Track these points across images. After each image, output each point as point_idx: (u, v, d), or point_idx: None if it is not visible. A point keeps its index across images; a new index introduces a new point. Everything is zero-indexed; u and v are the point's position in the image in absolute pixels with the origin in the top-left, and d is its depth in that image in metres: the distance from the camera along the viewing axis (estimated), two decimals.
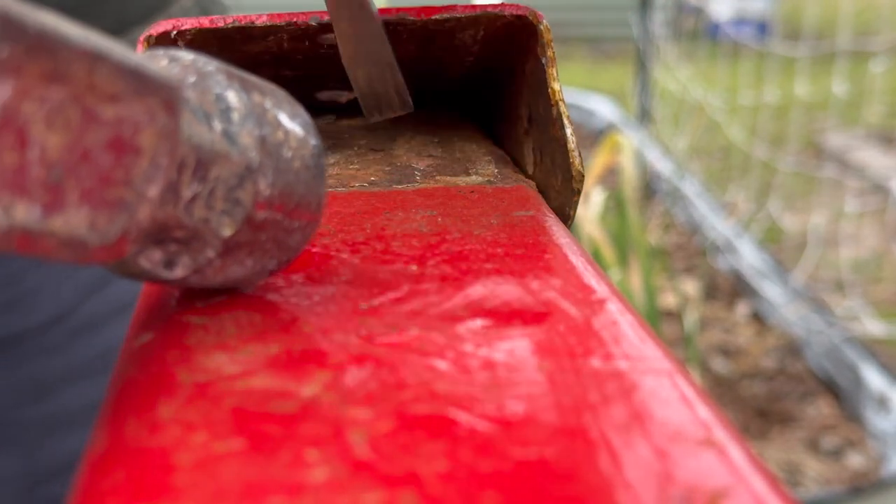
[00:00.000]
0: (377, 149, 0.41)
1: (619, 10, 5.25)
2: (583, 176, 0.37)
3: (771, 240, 2.73)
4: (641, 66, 3.60)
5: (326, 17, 0.36)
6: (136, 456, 0.19)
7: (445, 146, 0.42)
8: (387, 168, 0.38)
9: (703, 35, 4.62)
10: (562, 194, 0.37)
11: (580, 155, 0.37)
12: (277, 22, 0.37)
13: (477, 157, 0.40)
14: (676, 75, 3.60)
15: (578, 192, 0.37)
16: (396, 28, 0.38)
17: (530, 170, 0.40)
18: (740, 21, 5.15)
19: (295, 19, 0.37)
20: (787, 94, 3.03)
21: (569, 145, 0.37)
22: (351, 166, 0.39)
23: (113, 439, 0.20)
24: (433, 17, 0.38)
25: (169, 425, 0.20)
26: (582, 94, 4.24)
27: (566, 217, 0.37)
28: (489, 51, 0.41)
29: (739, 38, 4.18)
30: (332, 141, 0.42)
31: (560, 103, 0.37)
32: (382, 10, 0.37)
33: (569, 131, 0.37)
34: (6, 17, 0.17)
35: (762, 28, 5.12)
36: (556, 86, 0.37)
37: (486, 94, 0.45)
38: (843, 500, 1.60)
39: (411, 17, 0.37)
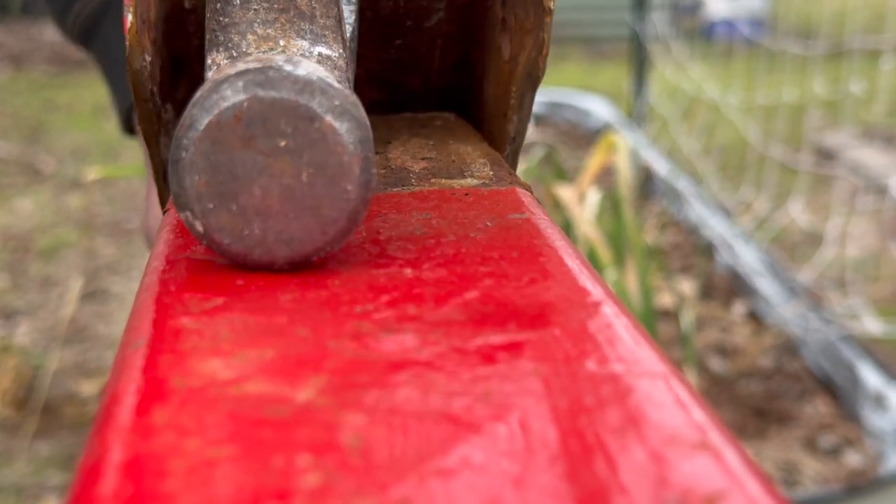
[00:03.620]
0: None
1: (616, 10, 5.24)
2: None
3: (768, 238, 2.73)
4: (638, 65, 3.60)
5: None
6: (130, 462, 0.19)
7: (440, 148, 0.41)
8: (382, 171, 0.38)
9: (699, 34, 4.62)
10: (536, 25, 0.38)
11: None
12: None
13: (472, 160, 0.40)
14: (673, 75, 3.60)
15: (550, 12, 0.37)
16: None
17: (506, 55, 0.40)
18: (736, 20, 5.16)
19: None
20: (786, 93, 3.03)
21: None
22: None
23: (107, 445, 0.20)
24: None
25: (163, 431, 0.20)
26: (578, 94, 4.24)
27: (541, 44, 0.38)
28: (457, 24, 0.41)
29: (735, 37, 4.18)
30: None
31: None
32: None
33: None
34: None
35: (757, 26, 5.12)
36: None
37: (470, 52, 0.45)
38: (841, 498, 1.60)
39: None
